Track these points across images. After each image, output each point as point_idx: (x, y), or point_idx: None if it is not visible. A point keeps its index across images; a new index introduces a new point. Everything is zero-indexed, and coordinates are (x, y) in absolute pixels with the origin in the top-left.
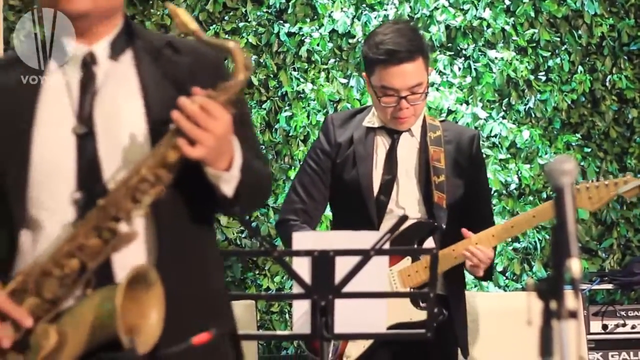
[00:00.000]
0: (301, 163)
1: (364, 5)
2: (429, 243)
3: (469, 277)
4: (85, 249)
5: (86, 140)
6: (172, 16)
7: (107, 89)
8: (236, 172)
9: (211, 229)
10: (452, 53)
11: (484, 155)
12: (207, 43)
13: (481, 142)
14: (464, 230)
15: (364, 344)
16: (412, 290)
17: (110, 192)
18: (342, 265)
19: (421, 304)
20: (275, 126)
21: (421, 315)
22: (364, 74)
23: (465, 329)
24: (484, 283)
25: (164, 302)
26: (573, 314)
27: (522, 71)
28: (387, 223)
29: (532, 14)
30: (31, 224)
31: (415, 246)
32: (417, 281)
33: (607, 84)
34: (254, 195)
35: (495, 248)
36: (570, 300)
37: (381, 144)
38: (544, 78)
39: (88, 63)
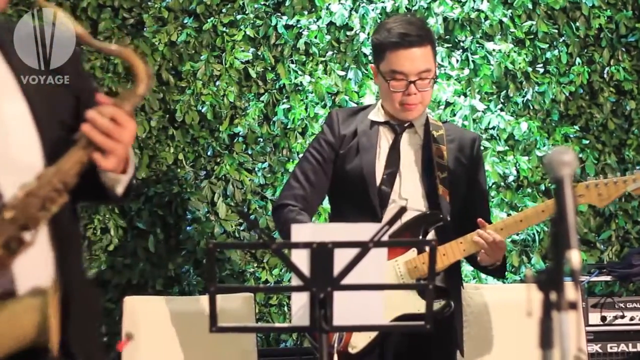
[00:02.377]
0: (302, 153)
1: None
2: (433, 235)
3: (468, 270)
4: None
5: None
6: (54, 17)
7: None
8: (131, 173)
9: (78, 226)
10: (450, 45)
11: (483, 147)
12: (96, 46)
13: (479, 134)
14: (480, 220)
15: (370, 335)
16: (418, 281)
17: (19, 202)
18: (341, 258)
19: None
20: (273, 119)
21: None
22: (371, 65)
23: (461, 326)
24: (483, 275)
25: (70, 308)
26: (573, 305)
27: (520, 63)
28: (390, 213)
29: (530, 6)
30: None
31: (420, 237)
32: (423, 272)
33: (605, 75)
34: (134, 186)
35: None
36: (570, 292)
37: (385, 138)
38: (542, 70)
39: None
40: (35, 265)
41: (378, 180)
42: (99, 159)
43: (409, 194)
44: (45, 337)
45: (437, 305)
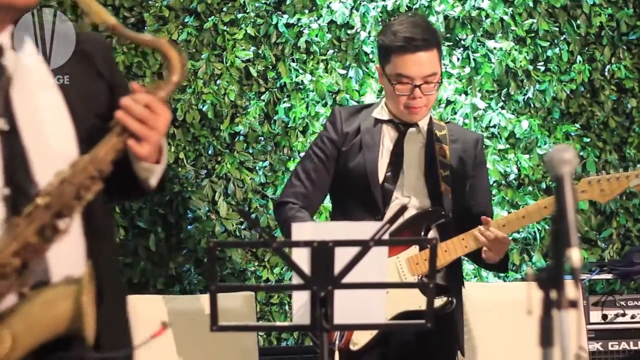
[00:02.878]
0: (305, 151)
1: None
2: (435, 232)
3: (469, 268)
4: (28, 247)
5: (10, 137)
6: (87, 9)
7: (21, 81)
8: (164, 164)
9: (112, 220)
10: (451, 43)
11: (484, 146)
12: (133, 38)
13: (480, 132)
14: (484, 217)
15: (372, 332)
16: (421, 278)
17: (53, 189)
18: (342, 256)
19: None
20: (274, 117)
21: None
22: (376, 65)
23: (462, 325)
24: (484, 273)
25: (102, 299)
26: (573, 304)
27: (520, 61)
28: (392, 211)
29: (531, 4)
30: None
31: (422, 234)
32: (425, 269)
33: (606, 73)
34: (166, 178)
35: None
36: (570, 290)
37: (388, 136)
38: (542, 68)
39: None
40: (69, 256)
41: (381, 178)
42: (133, 146)
43: (411, 192)
44: (79, 325)
45: (439, 302)
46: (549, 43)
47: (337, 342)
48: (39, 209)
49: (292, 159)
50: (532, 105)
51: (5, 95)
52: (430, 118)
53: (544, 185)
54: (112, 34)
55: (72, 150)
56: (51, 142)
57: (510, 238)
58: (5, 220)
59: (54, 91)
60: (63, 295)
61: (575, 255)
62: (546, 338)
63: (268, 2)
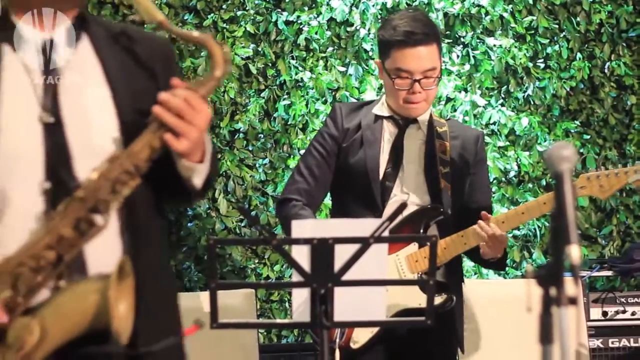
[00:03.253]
0: (306, 147)
1: None
2: (434, 229)
3: (468, 265)
4: (63, 240)
5: (54, 130)
6: (137, 5)
7: (71, 77)
8: (208, 164)
9: (164, 220)
10: (451, 41)
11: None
12: (179, 34)
13: (480, 129)
14: (484, 213)
15: (372, 330)
16: (420, 275)
17: (90, 184)
18: (342, 253)
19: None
20: (274, 115)
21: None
22: (376, 60)
23: (462, 322)
24: (484, 271)
25: (140, 296)
26: (572, 301)
27: (520, 58)
28: (391, 208)
29: (530, 1)
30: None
31: (420, 232)
32: (425, 266)
33: (606, 70)
34: (212, 182)
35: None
36: (570, 287)
37: (388, 132)
38: (542, 65)
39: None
40: (107, 251)
41: (381, 175)
42: (170, 140)
43: (411, 189)
44: (106, 319)
45: (439, 299)
46: (548, 40)
47: (337, 341)
48: (74, 202)
49: (292, 156)
50: (532, 103)
51: (54, 90)
52: (431, 115)
53: (544, 182)
54: (159, 29)
55: (114, 146)
56: (94, 137)
57: (509, 235)
58: (43, 213)
59: (102, 88)
60: (93, 290)
61: (575, 252)
62: (545, 335)
63: (267, 0)
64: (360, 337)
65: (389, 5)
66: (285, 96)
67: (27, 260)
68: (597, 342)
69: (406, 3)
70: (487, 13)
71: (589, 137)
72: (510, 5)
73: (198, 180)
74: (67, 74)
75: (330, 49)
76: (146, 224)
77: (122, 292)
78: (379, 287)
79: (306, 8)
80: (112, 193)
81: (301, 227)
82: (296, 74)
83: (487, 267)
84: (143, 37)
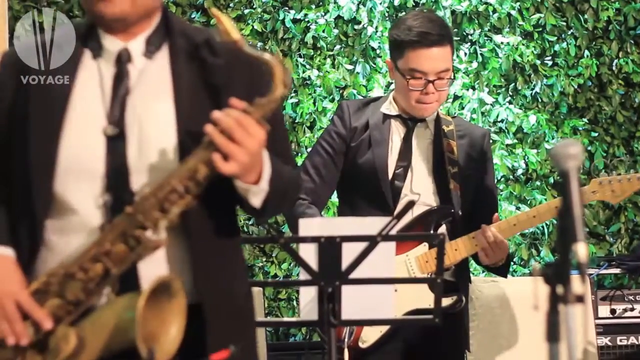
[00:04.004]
0: (313, 145)
1: None
2: (444, 230)
3: (475, 264)
4: (111, 254)
5: (116, 142)
6: (217, 23)
7: (140, 89)
8: (265, 185)
9: (236, 235)
10: (458, 38)
11: (491, 141)
12: (248, 54)
13: (488, 127)
14: (495, 216)
15: (381, 329)
16: (430, 275)
17: (139, 200)
18: (349, 252)
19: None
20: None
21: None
22: (387, 60)
23: (467, 321)
24: None
25: (189, 315)
26: (580, 299)
27: (528, 56)
28: (400, 208)
29: None
30: (57, 222)
31: (431, 231)
32: (435, 267)
33: (614, 68)
34: (281, 202)
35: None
36: (577, 285)
37: (397, 131)
38: (550, 63)
39: (122, 60)
40: (162, 271)
41: (390, 175)
42: (217, 160)
43: (420, 189)
44: (131, 337)
45: (449, 300)
46: (556, 38)
47: (346, 340)
48: (123, 218)
49: (299, 154)
50: (540, 100)
51: (122, 102)
52: (438, 113)
53: (551, 180)
54: (235, 49)
55: (170, 164)
56: (151, 153)
57: (518, 234)
58: (100, 226)
59: (168, 104)
60: (130, 306)
61: (582, 250)
62: (553, 333)
63: None
64: (369, 337)
65: (396, 3)
66: (293, 94)
67: (76, 271)
68: (605, 340)
69: (414, 1)
70: (494, 11)
71: (596, 134)
72: (518, 3)
73: (256, 201)
74: (137, 86)
75: (338, 47)
76: (214, 245)
77: (161, 311)
78: (386, 286)
79: (313, 6)
80: (160, 211)
81: (309, 226)
82: (303, 72)
83: (490, 271)
84: (227, 50)
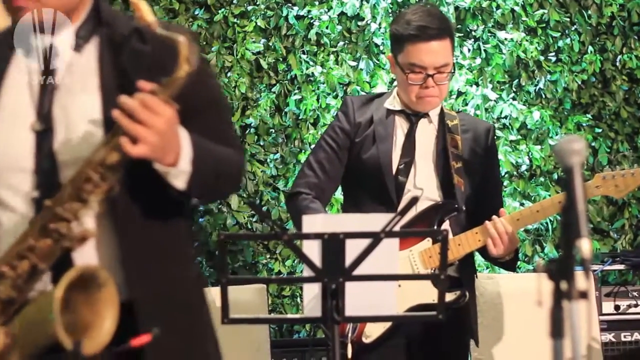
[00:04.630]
0: (317, 141)
1: None
2: (447, 225)
3: (480, 259)
4: (35, 250)
5: (44, 138)
6: (133, 6)
7: (67, 83)
8: (185, 166)
9: (180, 221)
10: (462, 34)
11: (495, 137)
12: (160, 36)
13: (492, 122)
14: (502, 210)
15: (385, 325)
16: (434, 271)
17: (57, 193)
18: (353, 248)
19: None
20: (285, 110)
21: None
22: (388, 55)
23: (475, 316)
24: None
25: (123, 307)
26: (583, 295)
27: (532, 52)
28: (404, 203)
29: None
30: None
31: (434, 227)
32: (438, 262)
33: (618, 64)
34: (215, 184)
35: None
36: (581, 281)
37: (400, 127)
38: (554, 59)
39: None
40: (96, 262)
41: (394, 170)
42: (124, 144)
43: (424, 184)
44: (52, 332)
45: (452, 295)
46: (560, 33)
47: (349, 335)
48: (43, 212)
49: (303, 151)
50: (544, 96)
51: (49, 98)
52: (442, 108)
53: (555, 176)
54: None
55: None
56: (81, 147)
57: (522, 230)
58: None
59: (94, 95)
60: (51, 299)
61: (585, 246)
62: (556, 329)
63: None
64: (373, 332)
65: (399, 0)
66: (297, 91)
67: (4, 270)
68: (609, 336)
69: None
70: (498, 7)
71: (600, 130)
72: None
73: (178, 183)
74: (64, 80)
75: (341, 43)
76: (135, 227)
77: (92, 302)
78: (390, 282)
79: (317, 2)
80: (79, 202)
81: (312, 222)
82: (307, 68)
83: (499, 266)
84: (156, 37)
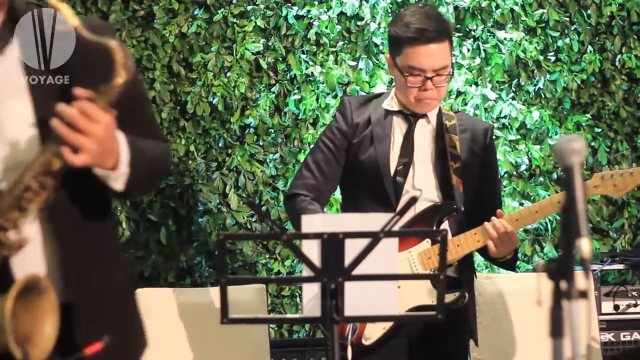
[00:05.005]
0: (315, 142)
1: None
2: (446, 226)
3: (480, 259)
4: None
5: None
6: (56, 11)
7: None
8: (124, 169)
9: (109, 220)
10: (461, 34)
11: (494, 136)
12: (88, 40)
13: (491, 122)
14: (499, 211)
15: (384, 326)
16: (433, 272)
17: None
18: (352, 248)
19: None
20: (284, 110)
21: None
22: (387, 56)
23: (474, 316)
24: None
25: (63, 310)
26: (583, 294)
27: (531, 52)
28: (403, 204)
29: None
30: None
31: (433, 228)
32: (437, 263)
33: (617, 63)
34: (148, 180)
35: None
36: (580, 281)
37: (398, 127)
38: (553, 58)
39: None
40: (35, 267)
41: (392, 170)
42: (66, 154)
43: (422, 184)
44: (4, 340)
45: (452, 296)
46: (559, 33)
47: (349, 337)
48: None
49: (302, 151)
50: (543, 96)
51: None
52: (440, 108)
53: (555, 176)
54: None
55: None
56: (16, 152)
57: (521, 230)
58: None
59: (24, 99)
60: (0, 308)
61: (585, 245)
62: (556, 329)
63: None
64: (372, 334)
65: (399, 0)
66: (296, 91)
67: None
68: (608, 336)
69: None
70: (497, 6)
71: (600, 130)
72: None
73: (117, 185)
74: None
75: (341, 43)
76: (71, 231)
77: (34, 309)
78: (389, 282)
79: (316, 2)
80: (18, 210)
81: (311, 222)
82: (306, 68)
83: (498, 266)
84: (78, 37)
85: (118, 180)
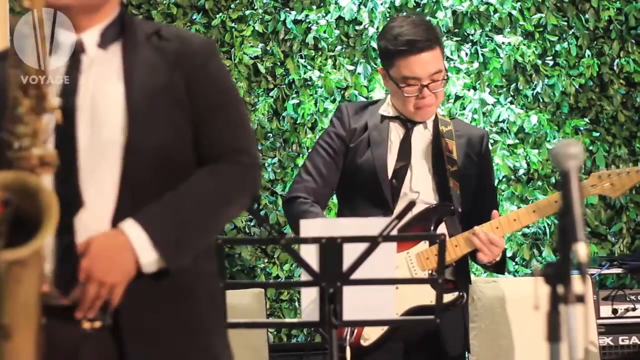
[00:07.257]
0: (312, 146)
1: None
2: (443, 227)
3: None
4: None
5: (66, 125)
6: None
7: (91, 73)
8: (150, 261)
9: None
10: (459, 39)
11: (493, 141)
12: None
13: (489, 127)
14: (495, 212)
15: (383, 328)
16: (431, 273)
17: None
18: (350, 252)
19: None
20: (283, 114)
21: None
22: (379, 68)
23: (467, 322)
24: None
25: None
26: (580, 298)
27: (529, 56)
28: (401, 207)
29: None
30: None
31: (431, 230)
32: (435, 264)
33: (615, 67)
34: (205, 227)
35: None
36: (578, 285)
37: (395, 132)
38: (551, 62)
39: (76, 50)
40: None
41: (390, 174)
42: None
43: (420, 188)
44: None
45: (450, 297)
46: (557, 37)
47: (347, 338)
48: None
49: (301, 155)
50: (541, 100)
51: (74, 83)
52: (436, 114)
53: (553, 180)
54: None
55: (121, 139)
56: (102, 130)
57: (519, 233)
58: None
59: (118, 84)
60: None
61: (582, 249)
62: (553, 333)
63: None
64: (371, 335)
65: (397, 4)
66: (294, 95)
67: None
68: (607, 340)
69: (415, 1)
70: (495, 11)
71: (598, 134)
72: (519, 3)
73: (152, 268)
74: (88, 71)
75: (339, 47)
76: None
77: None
78: (388, 286)
79: (314, 7)
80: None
81: (309, 227)
82: (305, 72)
83: (486, 269)
84: (175, 35)
85: (154, 265)
